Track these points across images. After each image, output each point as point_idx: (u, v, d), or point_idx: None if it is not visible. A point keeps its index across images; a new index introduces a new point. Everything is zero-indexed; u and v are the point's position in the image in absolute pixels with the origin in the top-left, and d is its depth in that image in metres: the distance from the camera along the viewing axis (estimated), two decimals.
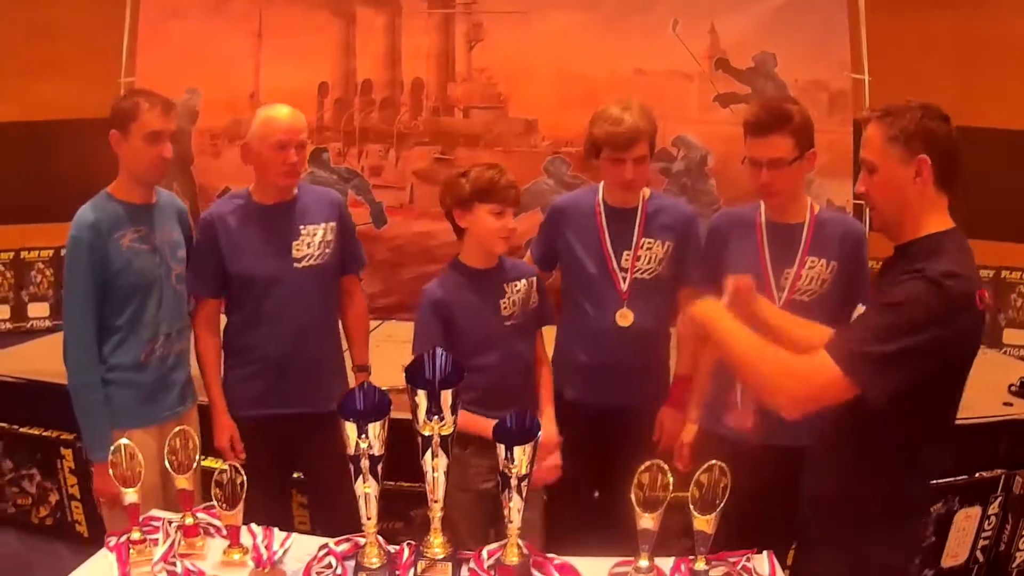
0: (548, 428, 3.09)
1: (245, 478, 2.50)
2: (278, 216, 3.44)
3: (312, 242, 3.44)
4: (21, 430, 4.82)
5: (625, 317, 3.37)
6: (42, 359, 5.19)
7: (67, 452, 4.68)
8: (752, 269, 3.10)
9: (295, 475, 3.69)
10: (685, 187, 4.84)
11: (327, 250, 3.47)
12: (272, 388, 3.42)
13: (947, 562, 4.29)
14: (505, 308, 3.17)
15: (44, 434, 4.75)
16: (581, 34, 4.91)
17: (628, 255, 3.40)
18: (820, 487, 2.56)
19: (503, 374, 3.14)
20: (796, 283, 3.14)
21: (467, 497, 3.11)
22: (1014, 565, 4.38)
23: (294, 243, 3.42)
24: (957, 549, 4.27)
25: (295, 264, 3.41)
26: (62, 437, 4.69)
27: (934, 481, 3.87)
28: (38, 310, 8.80)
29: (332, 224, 3.51)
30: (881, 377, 2.18)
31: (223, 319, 3.60)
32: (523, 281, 3.23)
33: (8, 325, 8.69)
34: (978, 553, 4.33)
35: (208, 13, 5.24)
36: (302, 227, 3.44)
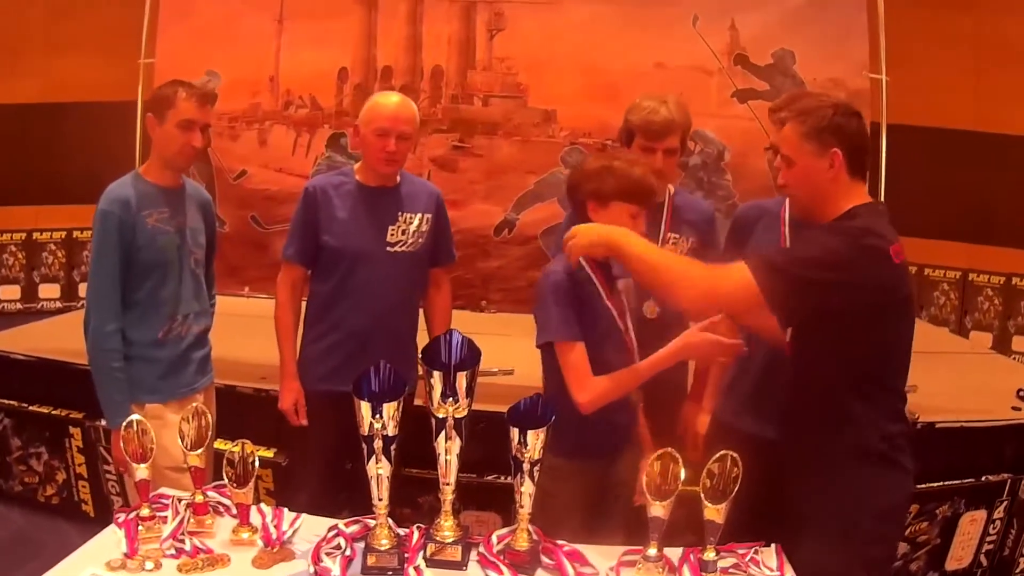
0: None
1: (256, 458, 2.51)
2: (379, 199, 3.55)
3: (408, 229, 3.55)
4: (30, 408, 4.84)
5: (651, 308, 3.37)
6: (52, 338, 5.23)
7: (75, 431, 4.70)
8: None
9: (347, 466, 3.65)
10: (701, 181, 4.82)
11: (420, 239, 3.58)
12: (347, 364, 3.40)
13: (951, 565, 4.28)
14: None
15: (53, 413, 4.78)
16: (602, 26, 4.89)
17: None
18: (792, 449, 2.69)
19: None
20: None
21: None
22: (1018, 570, 4.38)
23: (390, 227, 3.53)
24: (961, 552, 4.27)
25: (387, 248, 3.52)
26: (71, 416, 4.72)
27: (936, 484, 4.12)
28: (49, 291, 8.83)
29: (429, 216, 3.61)
30: (785, 295, 2.41)
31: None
32: None
33: (19, 305, 8.72)
34: (982, 557, 4.33)
35: None
36: (400, 214, 3.55)
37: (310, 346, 3.63)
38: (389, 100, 3.51)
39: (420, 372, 2.51)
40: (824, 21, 4.96)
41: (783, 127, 2.61)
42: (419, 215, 3.57)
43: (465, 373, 2.24)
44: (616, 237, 2.66)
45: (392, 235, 3.52)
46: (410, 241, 3.55)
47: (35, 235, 8.79)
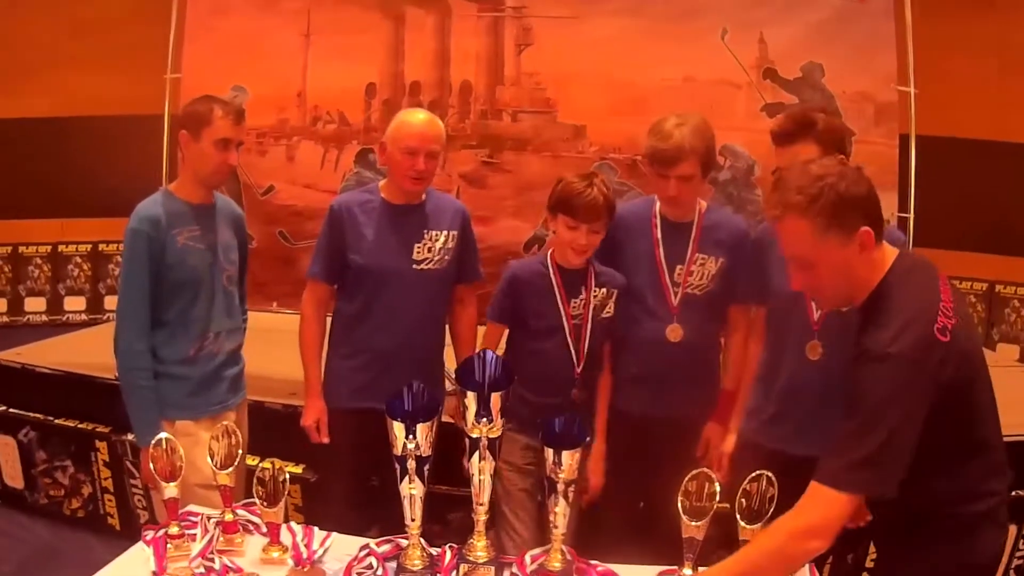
0: None
1: (287, 476, 2.49)
2: (405, 216, 3.51)
3: (434, 247, 3.50)
4: (55, 421, 4.85)
5: (675, 332, 3.34)
6: (78, 352, 5.25)
7: (101, 445, 4.71)
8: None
9: (373, 482, 3.65)
10: (731, 196, 4.80)
11: (446, 257, 3.53)
12: (374, 382, 3.41)
13: None
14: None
15: (79, 426, 4.79)
16: (631, 40, 4.88)
17: (681, 269, 3.36)
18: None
19: None
20: None
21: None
22: None
23: (416, 245, 3.48)
24: None
25: (414, 266, 3.48)
26: (97, 430, 4.73)
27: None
28: (74, 304, 8.86)
29: (455, 232, 3.57)
30: (875, 474, 2.11)
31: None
32: None
33: (44, 317, 8.76)
34: (1012, 572, 4.24)
35: (256, 10, 5.25)
36: (426, 231, 3.51)
37: (336, 364, 3.60)
38: (416, 118, 3.48)
39: (448, 389, 2.54)
40: (852, 34, 4.94)
41: (782, 223, 2.22)
42: (445, 232, 3.54)
43: (499, 393, 2.22)
44: None
45: (418, 253, 3.48)
46: (436, 259, 3.51)
47: (60, 248, 8.83)
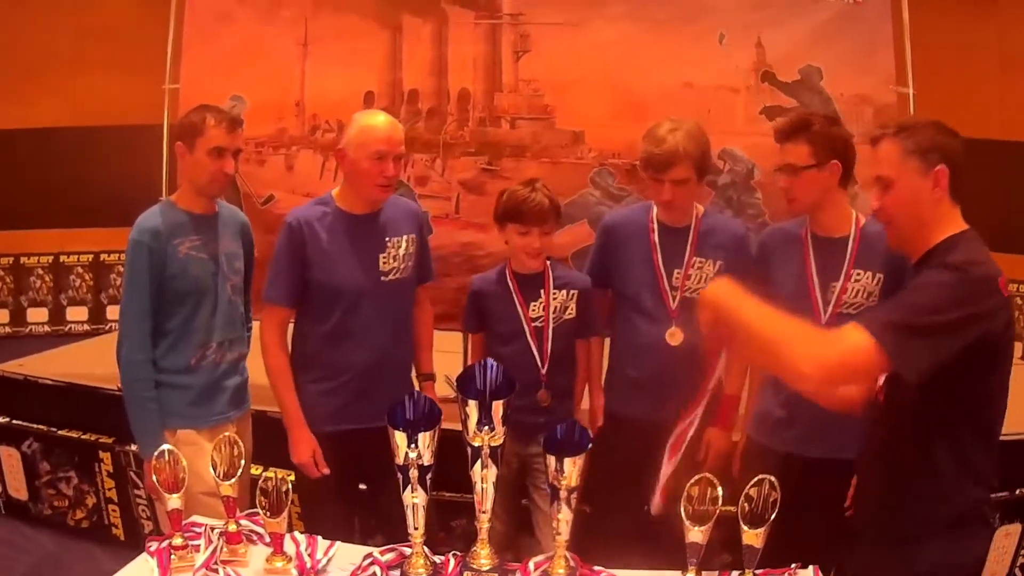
0: None
1: (290, 486, 2.49)
2: (365, 226, 3.39)
3: (397, 255, 3.40)
4: (59, 433, 4.85)
5: (674, 336, 3.37)
6: (80, 363, 5.25)
7: (105, 455, 4.71)
8: (798, 283, 3.19)
9: (361, 487, 3.63)
10: (731, 200, 4.80)
11: (409, 263, 3.45)
12: (354, 402, 3.35)
13: None
14: None
15: (82, 437, 4.80)
16: (629, 46, 4.88)
17: (679, 273, 3.38)
18: (873, 494, 2.56)
19: None
20: (842, 296, 3.15)
21: None
22: None
23: (380, 256, 3.37)
24: (996, 567, 4.22)
25: (383, 278, 3.37)
26: (100, 440, 4.73)
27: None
28: (77, 314, 8.86)
29: (413, 236, 3.48)
30: (912, 349, 2.16)
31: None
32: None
33: (47, 328, 8.75)
34: (1017, 571, 4.29)
35: (254, 20, 5.25)
36: (387, 239, 3.40)
37: (311, 386, 3.41)
38: (380, 120, 3.34)
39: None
40: (850, 35, 4.93)
41: (878, 144, 2.44)
42: (404, 237, 3.42)
43: (501, 401, 2.22)
44: (725, 300, 2.31)
45: (384, 263, 3.37)
46: (401, 267, 3.40)
47: (62, 258, 8.82)
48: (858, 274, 3.16)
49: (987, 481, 2.42)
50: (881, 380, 2.46)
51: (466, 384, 2.24)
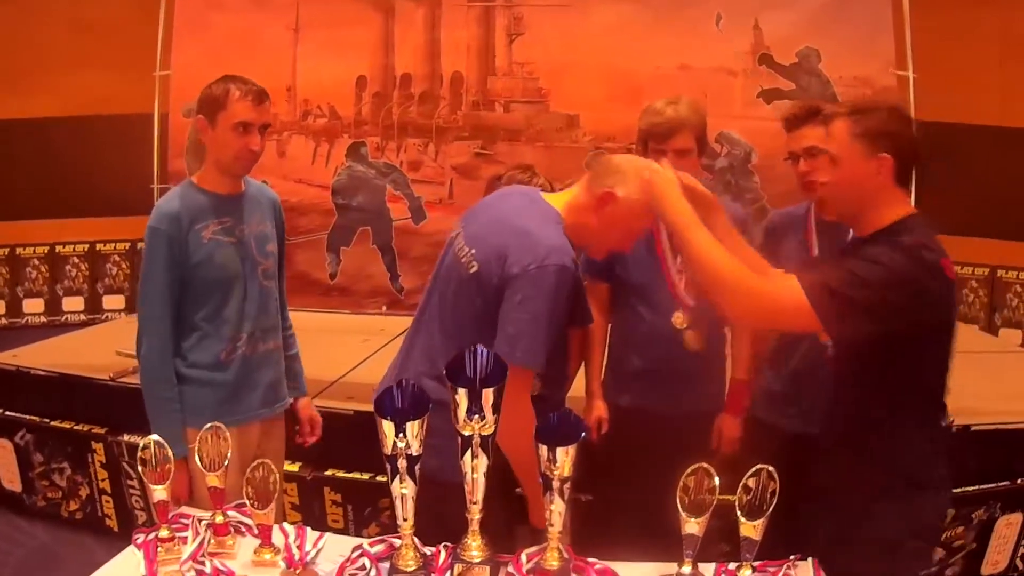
0: None
1: (277, 477, 2.45)
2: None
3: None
4: (51, 423, 4.83)
5: (680, 319, 3.32)
6: (74, 353, 5.25)
7: (98, 446, 4.69)
8: (803, 268, 3.12)
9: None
10: (729, 184, 4.77)
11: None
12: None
13: (987, 570, 4.22)
14: None
15: (75, 428, 4.77)
16: (624, 28, 4.86)
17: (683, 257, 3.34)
18: (828, 475, 2.62)
19: None
20: None
21: None
22: None
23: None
24: (997, 557, 4.20)
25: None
26: (93, 431, 4.71)
27: (973, 487, 4.07)
28: (73, 304, 8.85)
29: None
30: (843, 318, 2.30)
31: None
32: None
33: (43, 319, 8.75)
34: (1018, 561, 4.26)
35: (245, 6, 5.23)
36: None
37: None
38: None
39: None
40: (849, 18, 4.92)
41: (831, 123, 2.52)
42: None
43: (491, 389, 2.17)
44: (675, 207, 2.48)
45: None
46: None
47: (58, 248, 8.81)
48: None
49: (941, 442, 2.55)
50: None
51: (456, 372, 2.19)
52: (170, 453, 2.45)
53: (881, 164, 2.42)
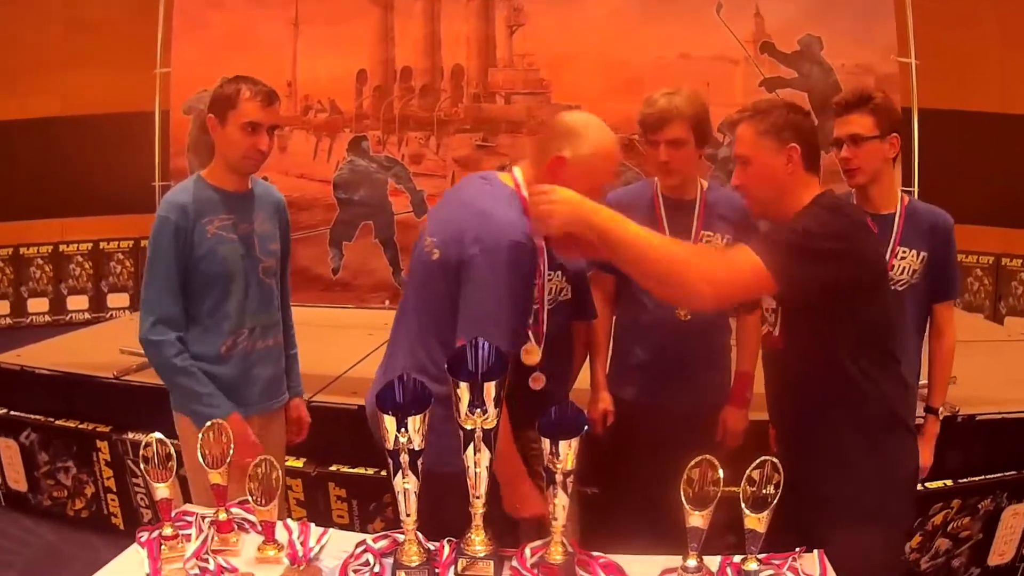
0: None
1: (279, 473, 2.43)
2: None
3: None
4: (56, 423, 4.84)
5: (685, 312, 3.30)
6: (78, 352, 5.24)
7: (103, 444, 4.70)
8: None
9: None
10: (731, 174, 4.75)
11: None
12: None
13: (994, 560, 4.22)
14: None
15: (80, 427, 4.77)
16: (625, 18, 4.83)
17: None
18: (791, 428, 2.78)
19: None
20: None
21: None
22: None
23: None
24: (1004, 547, 4.20)
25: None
26: (98, 430, 4.72)
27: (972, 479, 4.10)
28: (77, 303, 8.86)
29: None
30: (795, 271, 2.39)
31: None
32: None
33: (47, 318, 8.76)
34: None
35: (243, 2, 5.21)
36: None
37: None
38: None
39: None
40: (850, 5, 4.90)
41: (736, 127, 2.69)
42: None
43: (493, 383, 2.15)
44: (597, 217, 2.43)
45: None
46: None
47: (61, 247, 8.82)
48: (903, 251, 3.22)
49: (900, 388, 2.70)
50: (776, 329, 2.69)
51: (458, 365, 2.18)
52: (172, 450, 2.44)
53: (790, 154, 2.58)
